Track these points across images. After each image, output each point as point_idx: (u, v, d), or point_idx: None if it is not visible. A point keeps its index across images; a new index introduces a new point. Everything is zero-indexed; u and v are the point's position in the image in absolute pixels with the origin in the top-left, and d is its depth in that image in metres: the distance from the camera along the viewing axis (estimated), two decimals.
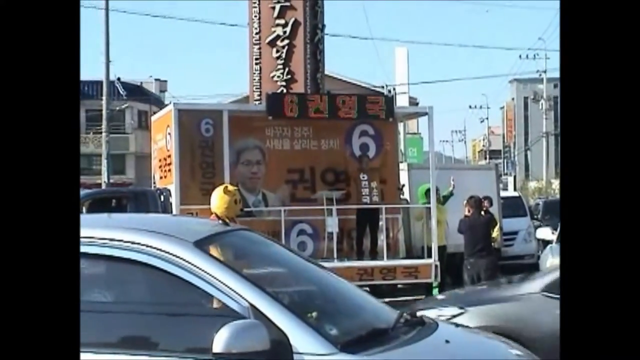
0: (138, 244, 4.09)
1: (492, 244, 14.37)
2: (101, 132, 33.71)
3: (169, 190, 13.75)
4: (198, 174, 13.99)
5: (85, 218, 4.28)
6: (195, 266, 3.98)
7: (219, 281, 3.93)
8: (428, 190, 15.15)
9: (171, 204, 13.53)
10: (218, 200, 7.37)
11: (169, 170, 13.91)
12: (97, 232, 4.21)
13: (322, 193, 14.44)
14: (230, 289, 3.91)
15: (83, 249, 3.95)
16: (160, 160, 14.85)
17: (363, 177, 14.36)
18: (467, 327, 5.91)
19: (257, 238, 5.18)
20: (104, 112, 32.14)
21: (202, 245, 4.19)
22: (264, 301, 3.89)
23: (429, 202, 14.82)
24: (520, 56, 62.37)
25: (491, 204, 17.28)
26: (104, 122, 32.16)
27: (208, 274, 3.96)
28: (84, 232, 3.98)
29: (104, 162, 31.86)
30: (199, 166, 14.03)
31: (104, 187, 29.57)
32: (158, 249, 4.05)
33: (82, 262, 3.88)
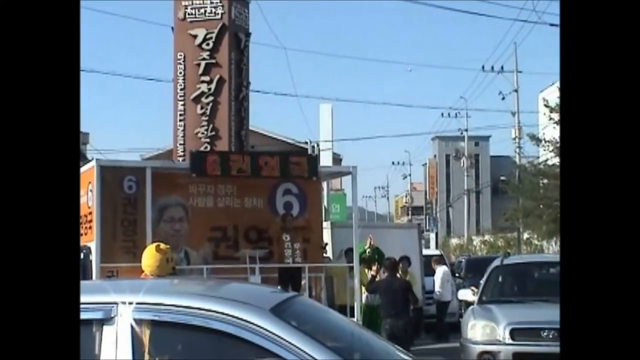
0: (214, 311, 4.02)
1: (413, 305, 14.70)
2: None
3: (89, 248, 13.52)
4: (120, 232, 13.80)
5: (153, 283, 4.25)
6: (274, 334, 3.94)
7: (298, 348, 3.90)
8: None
9: (91, 261, 13.29)
10: (149, 258, 7.24)
11: (90, 227, 13.68)
12: (171, 299, 4.14)
13: (245, 251, 14.35)
14: (310, 356, 3.88)
15: (157, 316, 3.96)
16: (81, 217, 14.59)
17: (286, 238, 14.36)
18: None
19: (314, 304, 5.21)
20: None
21: (278, 312, 4.14)
22: None
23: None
24: (442, 114, 63.47)
25: (410, 264, 17.49)
26: None
27: (287, 341, 3.91)
28: (156, 299, 4.03)
29: None
30: (121, 224, 13.83)
31: None
32: (235, 317, 3.99)
33: (158, 330, 3.92)
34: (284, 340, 3.92)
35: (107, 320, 4.01)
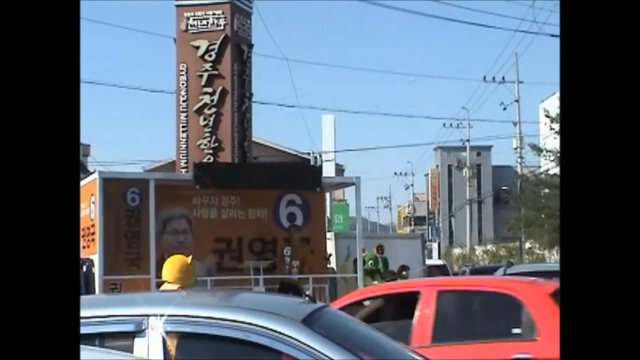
0: (245, 323, 4.03)
1: None
2: None
3: (92, 261, 13.48)
4: (123, 244, 13.75)
5: (183, 296, 4.44)
6: (306, 344, 3.95)
7: (331, 359, 3.92)
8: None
9: (94, 274, 13.25)
10: (180, 270, 7.06)
11: (93, 240, 13.66)
12: (201, 311, 4.15)
13: (249, 263, 14.34)
14: None
15: (188, 328, 3.99)
16: (83, 229, 14.56)
17: (286, 252, 14.36)
18: None
19: (341, 314, 5.18)
20: None
21: (309, 323, 4.14)
22: None
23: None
24: (444, 125, 63.36)
25: (408, 269, 17.57)
26: None
27: (319, 352, 3.93)
28: (187, 311, 4.06)
29: None
30: (124, 236, 13.79)
31: None
32: (266, 328, 4.00)
33: (188, 342, 3.96)
34: (316, 351, 3.93)
35: (138, 332, 4.03)
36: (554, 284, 7.70)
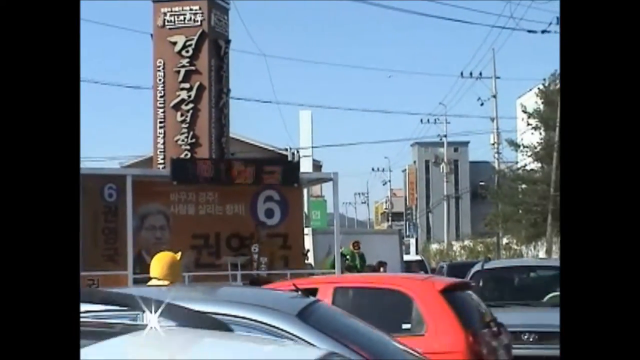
0: (241, 317, 4.06)
1: None
2: None
3: None
4: (100, 240, 13.73)
5: (178, 290, 4.45)
6: (301, 339, 3.99)
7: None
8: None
9: None
10: (170, 266, 7.02)
11: None
12: (195, 306, 4.12)
13: (227, 259, 14.33)
14: None
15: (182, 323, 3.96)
16: None
17: (254, 249, 14.37)
18: None
19: (333, 308, 5.24)
20: None
21: (303, 317, 4.18)
22: None
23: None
24: (421, 120, 63.47)
25: (385, 265, 17.65)
26: None
27: (314, 345, 3.94)
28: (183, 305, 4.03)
29: None
30: (102, 232, 13.77)
31: None
32: (262, 322, 4.03)
33: None
34: (312, 344, 3.95)
35: None
36: (446, 281, 8.04)
